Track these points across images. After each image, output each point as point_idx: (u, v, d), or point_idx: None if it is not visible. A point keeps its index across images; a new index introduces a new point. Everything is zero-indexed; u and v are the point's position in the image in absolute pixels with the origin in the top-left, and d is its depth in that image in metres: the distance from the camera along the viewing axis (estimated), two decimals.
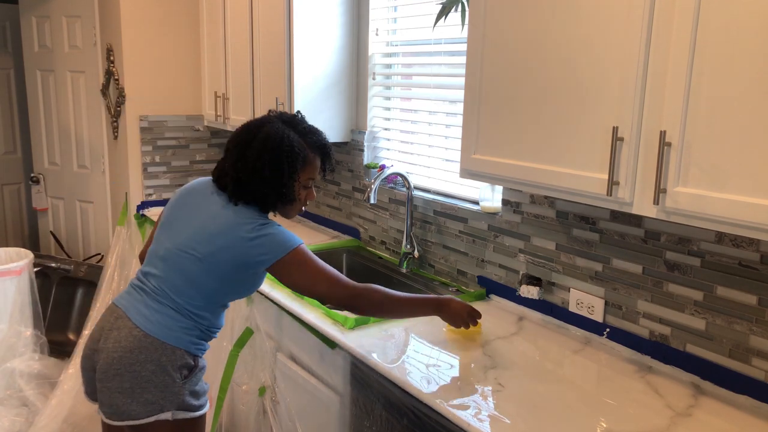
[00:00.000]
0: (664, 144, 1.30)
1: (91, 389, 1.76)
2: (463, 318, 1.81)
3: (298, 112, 1.81)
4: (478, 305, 2.17)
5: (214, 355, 2.63)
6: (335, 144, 3.00)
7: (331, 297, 1.67)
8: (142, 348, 1.64)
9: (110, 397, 1.65)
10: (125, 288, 1.78)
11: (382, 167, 2.70)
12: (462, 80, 2.24)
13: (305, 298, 2.13)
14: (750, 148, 1.17)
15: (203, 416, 1.76)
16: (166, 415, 1.65)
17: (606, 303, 1.87)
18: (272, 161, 1.64)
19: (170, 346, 1.65)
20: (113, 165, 3.74)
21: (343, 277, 1.69)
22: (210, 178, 1.80)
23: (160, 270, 1.71)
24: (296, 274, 1.64)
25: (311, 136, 1.73)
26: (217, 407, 2.48)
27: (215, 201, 1.70)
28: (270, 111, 1.81)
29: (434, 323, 2.00)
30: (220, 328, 1.80)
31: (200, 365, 1.74)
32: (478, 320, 1.86)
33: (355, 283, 1.69)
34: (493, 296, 2.24)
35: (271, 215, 1.74)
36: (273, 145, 1.65)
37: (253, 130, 1.70)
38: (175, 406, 1.66)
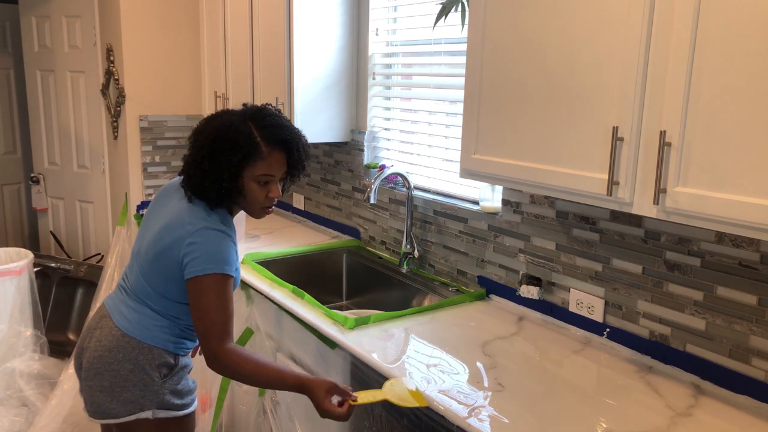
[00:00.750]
0: (664, 144, 1.30)
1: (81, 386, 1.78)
2: (321, 410, 1.52)
3: (268, 104, 1.69)
4: (478, 305, 2.17)
5: None
6: (335, 144, 3.00)
7: (204, 333, 1.54)
8: (120, 347, 1.65)
9: (92, 396, 1.67)
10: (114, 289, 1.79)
11: (382, 167, 2.70)
12: (462, 80, 2.24)
13: (306, 296, 2.14)
14: (750, 148, 1.17)
15: (189, 415, 1.75)
16: (147, 414, 1.65)
17: (606, 303, 1.87)
18: (212, 153, 1.56)
19: (147, 345, 1.65)
20: (113, 165, 3.74)
21: (228, 330, 1.56)
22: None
23: (134, 270, 1.71)
24: (195, 297, 1.55)
25: (272, 129, 1.60)
26: (217, 407, 2.48)
27: (177, 197, 1.67)
28: (243, 104, 1.70)
29: (434, 323, 2.00)
30: None
31: (182, 364, 1.72)
32: (351, 403, 1.54)
33: (231, 343, 1.56)
34: (493, 296, 2.24)
35: (246, 217, 1.67)
36: (215, 137, 1.57)
37: (207, 121, 1.63)
38: (155, 405, 1.65)
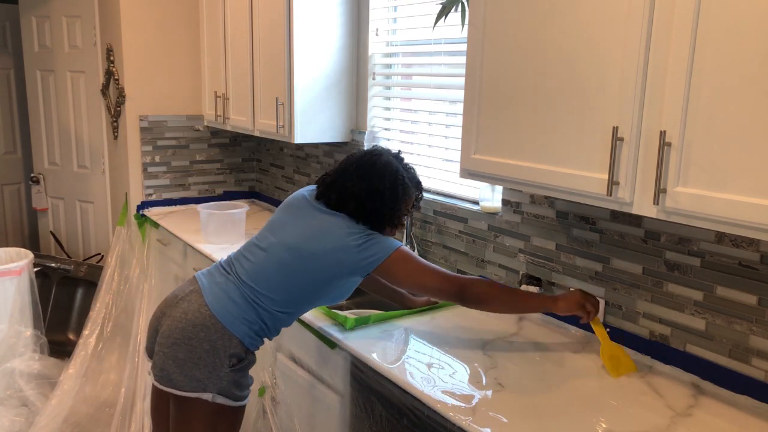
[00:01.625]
0: (664, 144, 1.30)
1: (151, 348, 1.86)
2: (579, 304, 1.75)
3: (399, 150, 1.95)
4: None
5: None
6: (335, 144, 3.00)
7: (439, 289, 1.76)
8: (204, 326, 1.73)
9: (163, 362, 1.75)
10: (210, 267, 1.90)
11: None
12: (462, 80, 2.24)
13: None
14: (750, 147, 1.17)
15: (242, 408, 1.82)
16: (207, 396, 1.72)
17: (606, 303, 1.87)
18: (392, 186, 1.80)
19: (228, 333, 1.73)
20: (113, 165, 3.74)
21: (448, 271, 1.79)
22: (310, 189, 1.92)
23: (258, 258, 1.80)
24: (404, 271, 1.75)
25: (411, 171, 1.90)
26: None
27: (324, 212, 1.82)
28: (374, 146, 2.01)
29: (434, 323, 2.00)
30: (278, 332, 1.85)
31: (250, 359, 1.80)
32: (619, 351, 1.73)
33: (461, 276, 1.78)
34: None
35: None
36: (392, 172, 1.81)
37: (374, 156, 1.84)
38: (217, 390, 1.73)
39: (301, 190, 1.93)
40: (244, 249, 1.87)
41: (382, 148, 1.92)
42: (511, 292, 1.80)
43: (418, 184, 1.92)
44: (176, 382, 1.73)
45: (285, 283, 1.75)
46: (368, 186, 1.78)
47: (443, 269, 1.79)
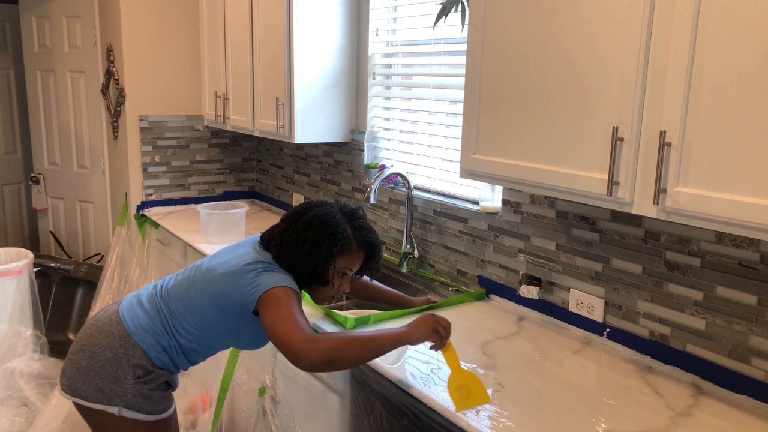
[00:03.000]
0: (664, 144, 1.30)
1: None
2: (431, 328, 1.58)
3: (360, 208, 1.84)
4: (478, 305, 2.17)
5: (215, 356, 2.63)
6: (335, 144, 3.00)
7: (284, 341, 1.47)
8: (109, 332, 1.69)
9: (69, 369, 1.71)
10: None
11: (382, 167, 2.70)
12: (462, 80, 2.24)
13: (306, 296, 2.14)
14: (750, 148, 1.17)
15: (163, 421, 1.75)
16: (113, 409, 1.66)
17: (606, 303, 1.87)
18: (314, 239, 1.67)
19: (132, 341, 1.68)
20: (113, 165, 3.74)
21: (307, 328, 1.51)
22: (257, 237, 1.83)
23: (183, 277, 1.77)
24: (269, 312, 1.54)
25: (362, 231, 1.76)
26: (217, 407, 2.48)
27: (254, 248, 1.73)
28: (336, 200, 1.89)
29: None
30: (192, 363, 1.78)
31: (159, 375, 1.71)
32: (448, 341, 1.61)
33: (316, 335, 1.49)
34: (493, 296, 2.24)
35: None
36: (318, 224, 1.69)
37: (309, 207, 1.75)
38: (123, 403, 1.66)
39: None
40: (185, 268, 1.82)
41: (332, 203, 1.78)
42: (360, 340, 1.50)
43: (368, 245, 1.76)
44: (80, 392, 1.66)
45: (189, 304, 1.68)
46: (290, 237, 1.68)
47: (302, 324, 1.50)
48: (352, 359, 1.49)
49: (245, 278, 1.62)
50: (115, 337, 1.68)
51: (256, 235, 1.84)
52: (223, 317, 1.66)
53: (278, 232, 1.72)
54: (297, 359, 1.44)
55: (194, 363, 1.79)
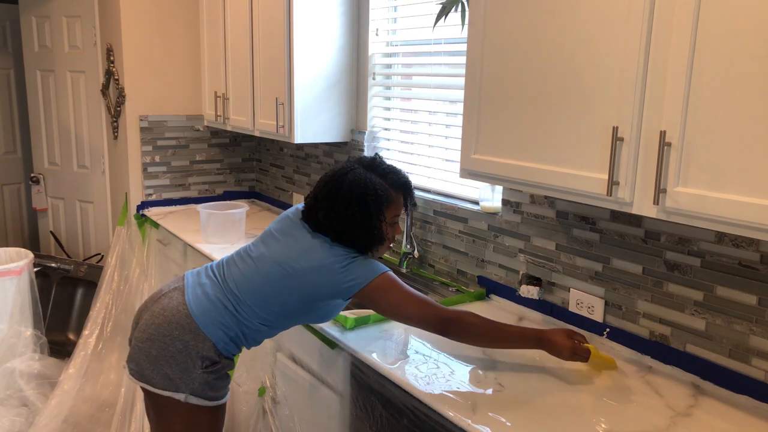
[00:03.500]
0: (664, 144, 1.30)
1: (131, 339, 1.85)
2: (567, 353, 1.66)
3: (376, 154, 1.86)
4: (478, 305, 2.17)
5: None
6: (335, 144, 3.00)
7: (420, 320, 1.68)
8: (179, 325, 1.72)
9: (138, 356, 1.76)
10: (200, 267, 1.90)
11: None
12: (462, 80, 2.24)
13: None
14: (750, 147, 1.17)
15: (221, 406, 1.82)
16: (180, 396, 1.72)
17: (606, 303, 1.87)
18: (361, 207, 1.69)
19: (203, 335, 1.72)
20: (113, 165, 3.74)
21: (433, 301, 1.70)
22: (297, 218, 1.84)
23: (247, 267, 1.77)
24: (385, 297, 1.68)
25: (392, 176, 1.78)
26: None
27: (310, 233, 1.76)
28: (349, 156, 1.89)
29: None
30: (258, 343, 1.84)
31: (225, 364, 1.77)
32: (603, 357, 1.71)
33: (446, 308, 1.69)
34: (493, 296, 2.24)
35: None
36: (358, 192, 1.70)
37: (339, 179, 1.74)
38: (189, 390, 1.73)
39: (298, 204, 1.89)
40: (236, 255, 1.84)
41: (351, 162, 1.81)
42: (498, 328, 1.69)
43: (403, 185, 1.80)
44: (149, 378, 1.74)
45: (268, 297, 1.72)
46: (337, 215, 1.70)
47: (429, 299, 1.70)
48: (486, 338, 1.70)
49: (336, 273, 1.68)
50: (185, 330, 1.72)
51: (296, 216, 1.83)
52: (309, 307, 1.74)
53: (324, 216, 1.72)
54: (444, 330, 1.67)
55: (259, 344, 1.85)
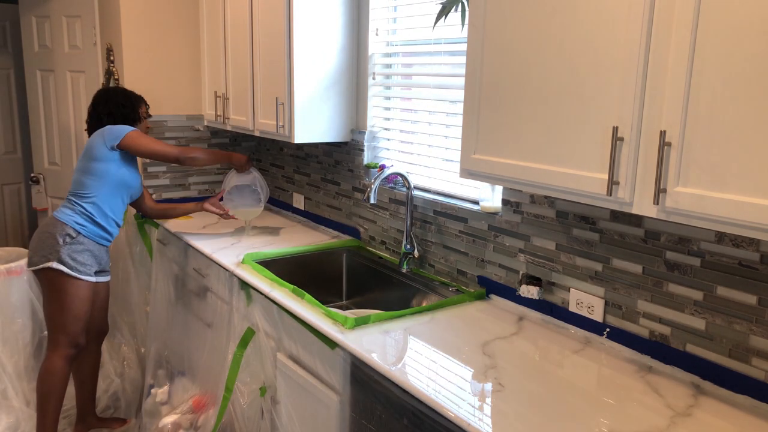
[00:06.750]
0: (664, 144, 1.30)
1: None
2: (243, 164, 2.96)
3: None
4: (478, 305, 2.17)
5: (217, 355, 2.63)
6: (335, 144, 3.00)
7: (164, 154, 2.72)
8: (47, 224, 2.65)
9: (29, 254, 2.67)
10: None
11: (382, 167, 2.70)
12: (462, 80, 2.24)
13: (306, 296, 2.14)
14: (750, 147, 1.17)
15: (82, 283, 2.64)
16: (50, 264, 2.58)
17: (606, 303, 1.87)
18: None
19: (59, 221, 2.63)
20: None
21: (169, 144, 2.80)
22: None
23: (72, 178, 2.76)
24: (140, 142, 2.69)
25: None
26: (221, 407, 2.48)
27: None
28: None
29: (434, 323, 2.00)
30: (103, 215, 2.69)
31: (82, 241, 2.63)
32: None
33: (179, 146, 2.81)
34: (493, 296, 2.24)
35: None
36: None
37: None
38: (56, 259, 2.58)
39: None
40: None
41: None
42: (210, 153, 2.85)
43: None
44: (33, 262, 2.62)
45: (77, 175, 2.69)
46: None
47: (162, 142, 2.74)
48: (204, 158, 2.83)
49: (101, 136, 2.70)
50: (50, 225, 2.62)
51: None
52: (104, 169, 2.67)
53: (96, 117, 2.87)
54: (179, 159, 2.76)
55: (111, 225, 2.74)
